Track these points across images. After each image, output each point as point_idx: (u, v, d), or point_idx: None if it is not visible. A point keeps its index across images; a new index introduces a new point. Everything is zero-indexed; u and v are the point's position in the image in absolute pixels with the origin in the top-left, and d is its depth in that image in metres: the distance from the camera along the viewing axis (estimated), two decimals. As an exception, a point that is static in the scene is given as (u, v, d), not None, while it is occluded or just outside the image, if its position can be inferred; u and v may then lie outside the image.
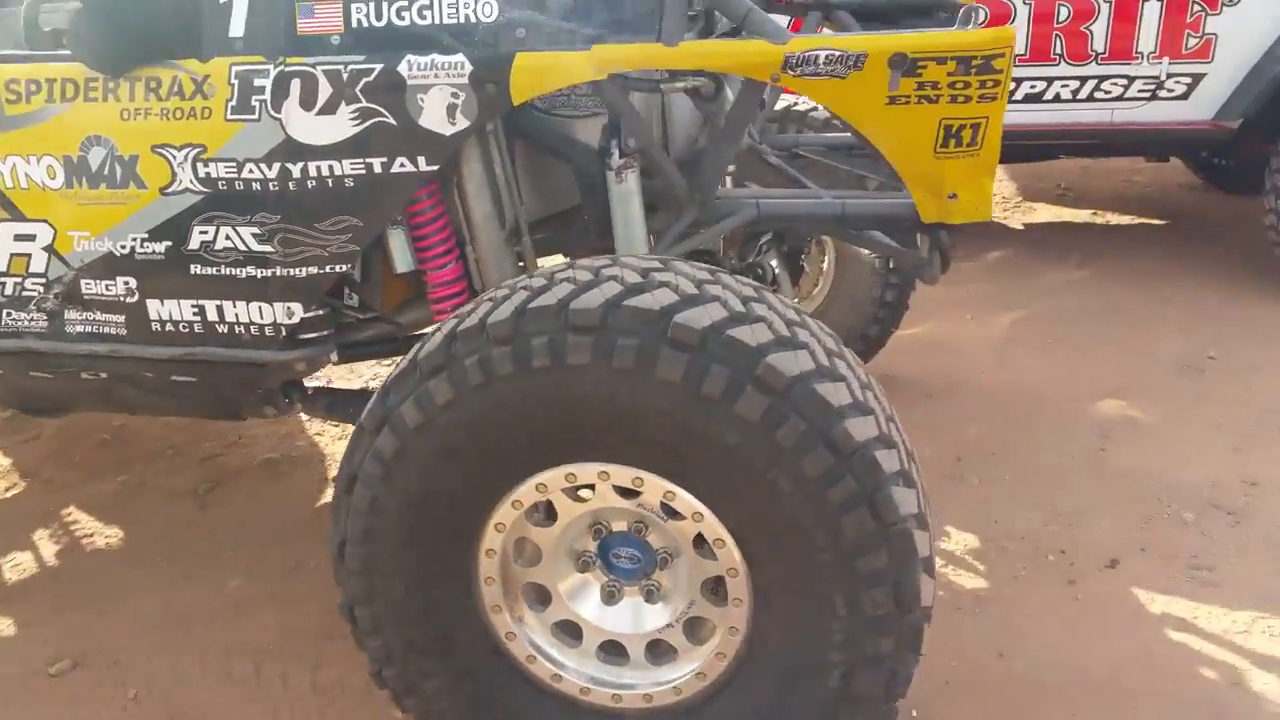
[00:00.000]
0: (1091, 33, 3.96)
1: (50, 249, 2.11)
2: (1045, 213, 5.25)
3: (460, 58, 1.80)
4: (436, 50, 1.81)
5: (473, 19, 1.82)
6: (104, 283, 2.10)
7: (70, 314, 2.16)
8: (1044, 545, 2.59)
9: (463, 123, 1.84)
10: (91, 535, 2.88)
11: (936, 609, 1.65)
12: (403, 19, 1.83)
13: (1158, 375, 3.48)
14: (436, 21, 1.82)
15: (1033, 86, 4.09)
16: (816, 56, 1.75)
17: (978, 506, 2.78)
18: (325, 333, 2.11)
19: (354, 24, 1.84)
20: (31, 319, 2.18)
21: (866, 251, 3.10)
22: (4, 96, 2.01)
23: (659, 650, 1.76)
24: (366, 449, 1.65)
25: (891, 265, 3.14)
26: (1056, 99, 4.09)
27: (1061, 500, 2.78)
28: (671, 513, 1.63)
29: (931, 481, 2.80)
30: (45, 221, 2.09)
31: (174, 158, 1.95)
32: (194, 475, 3.13)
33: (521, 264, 2.13)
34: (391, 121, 1.85)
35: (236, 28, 1.87)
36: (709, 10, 2.47)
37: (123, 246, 2.05)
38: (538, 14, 1.84)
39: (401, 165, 1.89)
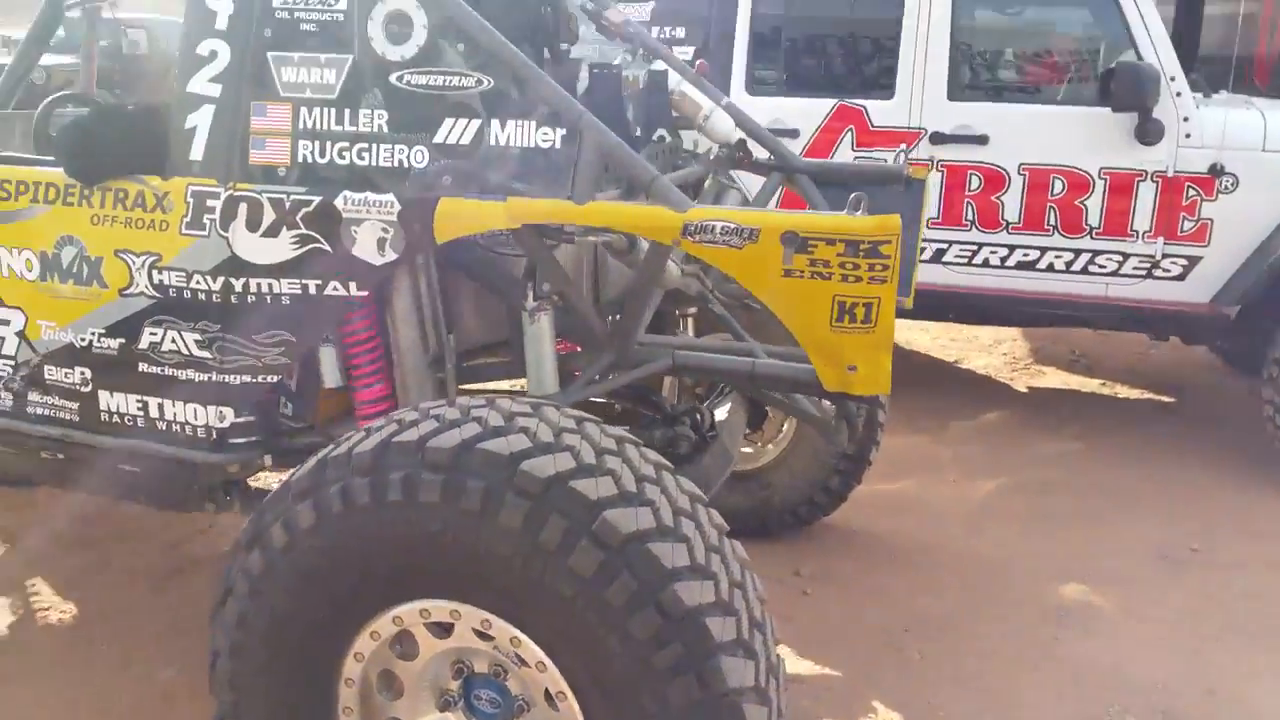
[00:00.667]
0: (1086, 207, 4.03)
1: (21, 334, 2.29)
2: (1054, 378, 5.23)
3: (390, 197, 1.94)
4: (370, 189, 1.96)
5: (405, 164, 1.98)
6: (64, 370, 2.26)
7: (32, 396, 2.32)
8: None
9: (391, 255, 1.98)
10: (48, 609, 2.97)
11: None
12: (343, 158, 2.00)
13: (1132, 562, 3.37)
14: (372, 164, 1.98)
15: (1025, 255, 4.15)
16: (713, 226, 1.84)
17: (914, 684, 2.70)
18: (254, 438, 2.21)
19: (300, 159, 2.01)
20: (0, 397, 2.34)
21: (831, 421, 3.14)
22: (-13, 195, 2.22)
23: None
24: (238, 566, 1.72)
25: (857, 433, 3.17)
26: (1050, 269, 4.14)
27: (1002, 688, 2.68)
28: (521, 660, 1.65)
29: (874, 650, 2.81)
30: (19, 309, 2.27)
31: (133, 263, 2.12)
32: (157, 559, 3.23)
33: (444, 390, 2.22)
34: (326, 248, 1.99)
35: (196, 151, 2.05)
36: (671, 147, 2.63)
37: (83, 339, 2.21)
38: (464, 164, 1.98)
39: (334, 289, 2.03)
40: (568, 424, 1.66)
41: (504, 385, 2.91)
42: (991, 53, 4.55)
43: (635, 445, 1.69)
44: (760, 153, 2.95)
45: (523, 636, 1.59)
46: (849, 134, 4.42)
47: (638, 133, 2.61)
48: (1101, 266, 4.11)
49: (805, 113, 4.48)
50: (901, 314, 4.56)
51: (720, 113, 2.80)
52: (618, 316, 2.36)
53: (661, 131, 2.76)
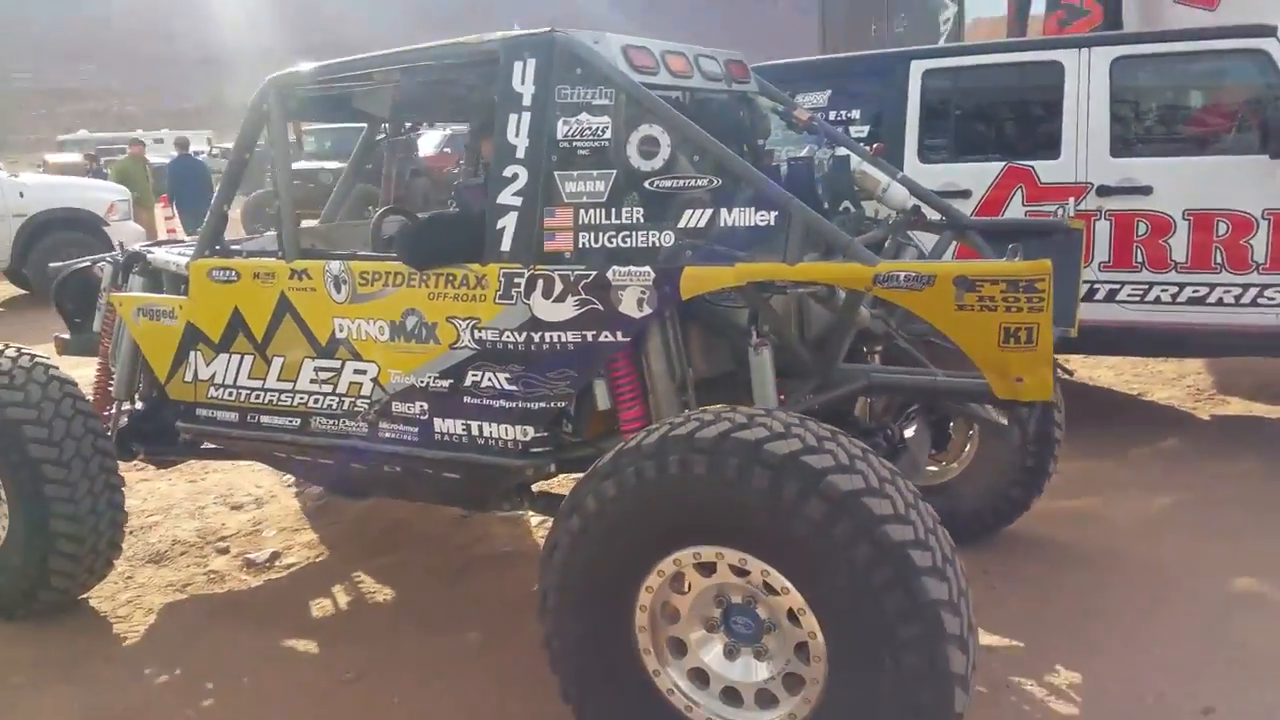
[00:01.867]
0: (1251, 246, 4.33)
1: (375, 380, 3.12)
2: (1237, 406, 5.41)
3: (647, 268, 2.65)
4: (633, 263, 2.67)
5: (656, 244, 2.68)
6: (407, 405, 3.07)
7: (383, 425, 3.14)
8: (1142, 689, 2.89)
9: (647, 310, 2.67)
10: (372, 593, 3.83)
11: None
12: (611, 243, 2.72)
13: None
14: (633, 245, 2.70)
15: (1195, 291, 4.48)
16: (899, 275, 2.45)
17: (1092, 658, 3.07)
18: (547, 449, 2.95)
19: (579, 245, 2.75)
20: (358, 427, 3.18)
21: (1006, 423, 3.62)
22: (358, 281, 3.07)
23: (764, 697, 2.35)
24: (562, 527, 2.43)
25: (1029, 438, 3.63)
26: (1219, 303, 4.45)
27: (1180, 663, 3.02)
28: (770, 589, 2.26)
29: (1054, 632, 3.24)
30: (374, 362, 3.11)
31: (460, 325, 2.91)
32: (448, 559, 4.05)
33: (687, 409, 2.89)
34: (600, 308, 2.71)
35: (506, 244, 2.82)
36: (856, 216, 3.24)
37: (421, 381, 3.02)
38: (700, 241, 2.67)
39: (605, 337, 2.74)
40: (793, 421, 2.28)
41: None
42: (1149, 110, 4.95)
43: (844, 436, 2.29)
44: (933, 215, 3.52)
45: (771, 569, 2.21)
46: (1019, 191, 4.88)
47: (826, 205, 3.25)
48: (1270, 299, 4.38)
49: (976, 175, 4.97)
50: (1080, 349, 4.97)
51: (895, 185, 3.40)
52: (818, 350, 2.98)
53: (846, 203, 3.38)
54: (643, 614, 2.40)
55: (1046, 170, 4.81)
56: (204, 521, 4.53)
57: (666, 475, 2.26)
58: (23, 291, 12.03)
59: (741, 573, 2.28)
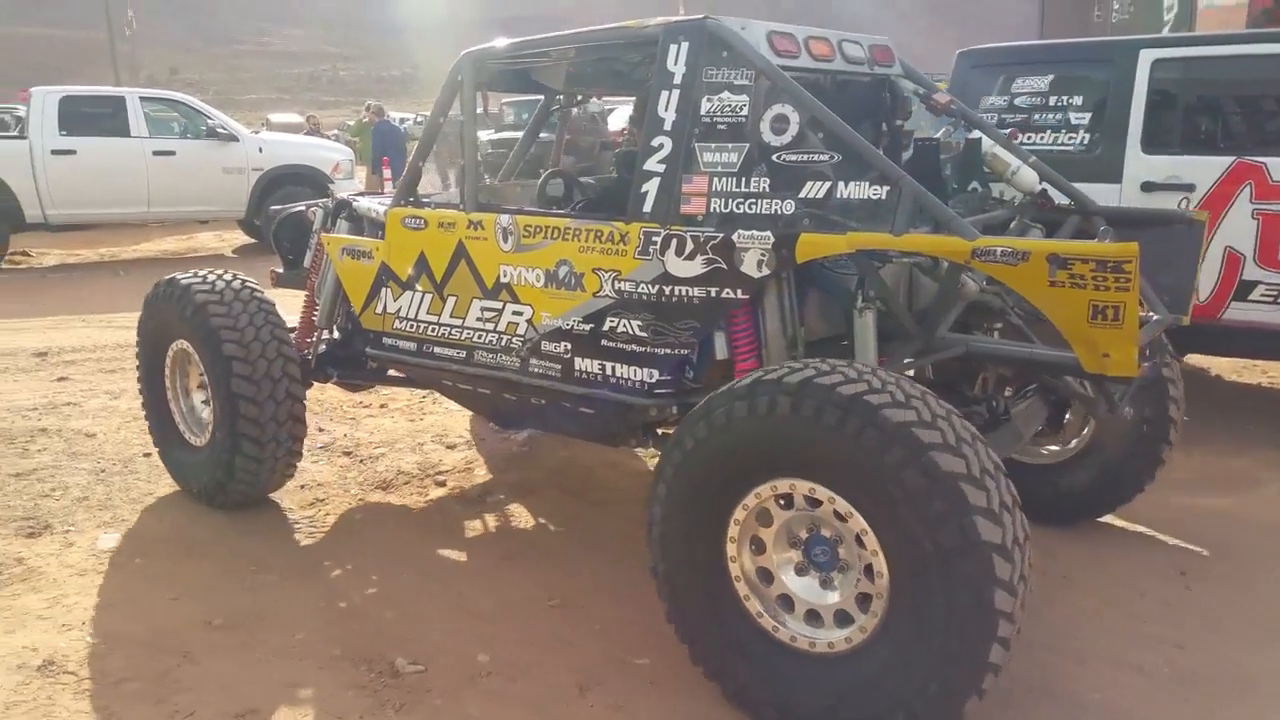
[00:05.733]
0: None
1: (529, 321, 3.56)
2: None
3: (768, 233, 2.95)
4: (756, 228, 2.99)
5: (778, 212, 2.98)
6: (554, 344, 3.50)
7: (533, 361, 3.58)
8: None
9: (766, 271, 2.97)
10: (568, 530, 4.22)
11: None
12: (739, 209, 3.04)
13: None
14: (759, 212, 3.00)
15: None
16: (995, 250, 2.66)
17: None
18: (670, 392, 3.31)
19: (711, 210, 3.07)
20: (511, 361, 3.64)
21: (1125, 410, 3.72)
22: (522, 233, 3.52)
23: (840, 616, 2.63)
24: (664, 462, 2.78)
25: (1144, 423, 3.72)
26: None
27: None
28: (839, 517, 2.55)
29: (1260, 639, 3.26)
30: (529, 305, 3.55)
31: (604, 276, 3.30)
32: (635, 506, 4.21)
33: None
34: (724, 267, 3.03)
35: (648, 206, 3.18)
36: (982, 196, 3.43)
37: (567, 324, 3.43)
38: (818, 210, 2.95)
39: (728, 293, 3.06)
40: (865, 370, 2.55)
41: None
42: None
43: (905, 379, 2.53)
44: (1062, 199, 3.65)
45: (837, 496, 2.50)
46: (1247, 188, 4.76)
47: (955, 185, 3.44)
48: None
49: (1202, 169, 4.88)
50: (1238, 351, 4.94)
51: (1025, 169, 3.56)
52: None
53: (974, 184, 3.57)
54: (732, 544, 2.72)
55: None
56: (423, 456, 5.10)
57: (755, 415, 2.57)
58: (253, 240, 13.35)
59: (814, 503, 2.57)
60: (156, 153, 11.98)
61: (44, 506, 4.38)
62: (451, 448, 5.24)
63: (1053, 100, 5.31)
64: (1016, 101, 5.51)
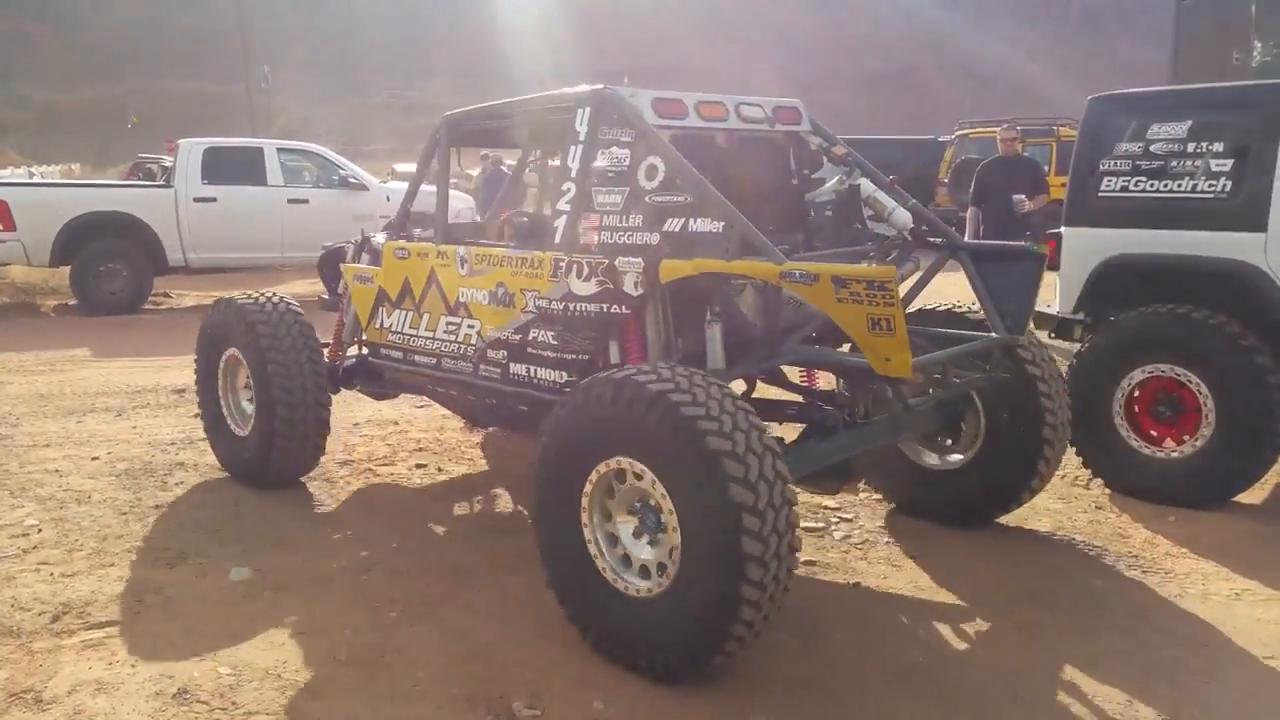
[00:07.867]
0: None
1: (478, 333, 4.33)
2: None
3: (639, 260, 3.63)
4: (632, 255, 3.67)
5: (648, 242, 3.66)
6: (495, 351, 4.26)
7: (481, 366, 4.35)
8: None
9: (641, 290, 3.65)
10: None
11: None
12: (621, 240, 3.73)
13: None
14: (634, 242, 3.69)
15: None
16: (795, 272, 3.27)
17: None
18: (578, 391, 4.00)
19: (601, 241, 3.78)
20: (467, 366, 4.41)
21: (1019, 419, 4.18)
22: (474, 261, 4.30)
23: (660, 568, 3.22)
24: (542, 447, 3.44)
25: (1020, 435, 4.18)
26: None
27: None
28: (654, 487, 3.16)
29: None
30: (480, 320, 4.32)
31: (528, 295, 4.05)
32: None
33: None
34: (611, 286, 3.73)
35: (558, 238, 3.92)
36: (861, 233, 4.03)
37: (503, 335, 4.19)
38: (676, 241, 3.60)
39: (615, 308, 3.75)
40: (679, 373, 3.16)
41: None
42: None
43: (711, 382, 3.12)
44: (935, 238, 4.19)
45: (646, 470, 3.11)
46: None
47: (833, 222, 4.05)
48: None
49: None
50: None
51: (901, 210, 4.13)
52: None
53: (856, 223, 4.16)
54: (584, 514, 3.35)
55: None
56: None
57: (589, 405, 3.22)
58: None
59: (639, 477, 3.17)
60: (291, 200, 12.77)
61: (181, 538, 4.56)
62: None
63: (1190, 147, 5.12)
64: (1152, 148, 5.26)
